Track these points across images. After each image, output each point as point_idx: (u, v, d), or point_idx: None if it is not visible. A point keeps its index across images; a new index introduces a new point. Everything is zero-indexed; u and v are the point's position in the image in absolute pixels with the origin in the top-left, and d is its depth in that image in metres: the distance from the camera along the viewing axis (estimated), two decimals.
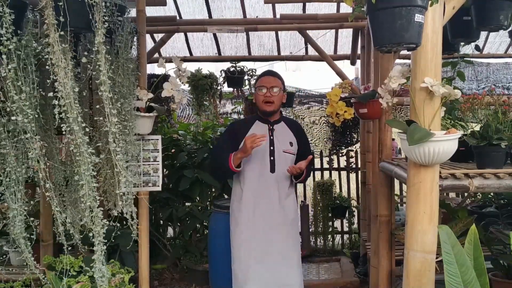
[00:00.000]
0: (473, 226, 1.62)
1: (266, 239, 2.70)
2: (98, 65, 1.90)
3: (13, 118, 1.84)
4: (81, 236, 2.26)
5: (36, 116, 1.90)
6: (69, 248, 2.21)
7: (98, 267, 1.99)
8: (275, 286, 2.67)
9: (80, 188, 1.92)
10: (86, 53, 2.05)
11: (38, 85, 1.92)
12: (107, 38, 2.13)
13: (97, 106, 2.03)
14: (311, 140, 5.42)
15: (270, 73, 2.89)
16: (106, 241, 2.03)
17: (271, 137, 2.75)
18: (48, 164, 2.09)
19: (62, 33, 1.82)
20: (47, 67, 1.83)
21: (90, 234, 2.01)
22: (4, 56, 1.80)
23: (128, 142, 2.24)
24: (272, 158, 2.72)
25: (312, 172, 2.87)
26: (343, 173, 5.41)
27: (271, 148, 2.73)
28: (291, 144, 2.79)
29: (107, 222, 2.02)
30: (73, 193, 2.25)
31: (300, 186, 4.84)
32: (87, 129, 1.91)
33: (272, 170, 2.72)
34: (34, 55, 1.90)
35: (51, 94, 1.87)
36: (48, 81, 1.85)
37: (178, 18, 4.43)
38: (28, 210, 2.05)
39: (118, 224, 2.22)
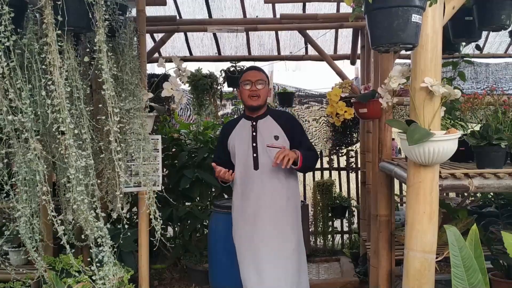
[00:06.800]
0: (474, 226, 1.62)
1: (254, 241, 2.66)
2: (100, 63, 1.89)
3: (9, 117, 1.81)
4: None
5: (36, 115, 1.89)
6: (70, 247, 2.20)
7: (98, 269, 1.98)
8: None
9: (66, 191, 1.91)
10: (87, 50, 2.04)
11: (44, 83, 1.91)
12: (110, 37, 2.13)
13: (100, 105, 2.03)
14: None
15: (254, 68, 2.88)
16: (112, 243, 2.03)
17: (254, 134, 2.73)
18: (50, 164, 2.08)
19: (59, 32, 1.81)
20: (43, 66, 1.82)
21: (82, 236, 2.00)
22: (1, 53, 1.78)
23: (143, 140, 2.24)
24: (255, 155, 2.69)
25: (311, 162, 2.73)
26: (343, 173, 5.41)
27: (254, 144, 2.71)
28: (276, 137, 2.70)
29: (101, 226, 1.99)
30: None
31: (299, 186, 4.81)
32: (76, 131, 1.87)
33: (256, 167, 2.69)
34: (37, 53, 1.90)
35: (43, 93, 1.85)
36: (43, 80, 1.84)
37: (178, 18, 4.42)
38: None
39: (111, 226, 2.21)
